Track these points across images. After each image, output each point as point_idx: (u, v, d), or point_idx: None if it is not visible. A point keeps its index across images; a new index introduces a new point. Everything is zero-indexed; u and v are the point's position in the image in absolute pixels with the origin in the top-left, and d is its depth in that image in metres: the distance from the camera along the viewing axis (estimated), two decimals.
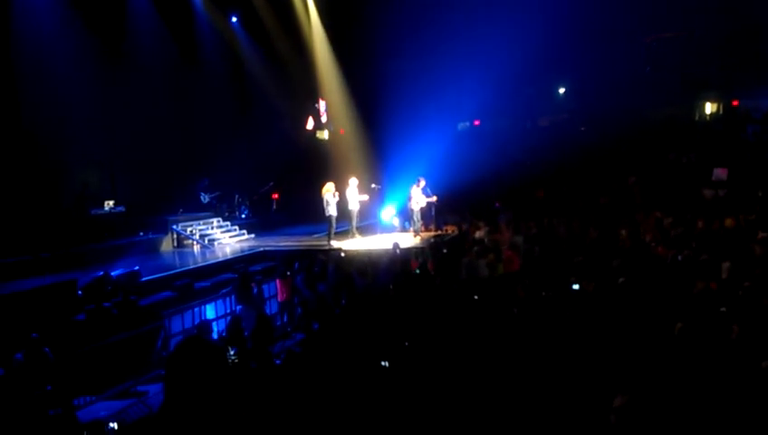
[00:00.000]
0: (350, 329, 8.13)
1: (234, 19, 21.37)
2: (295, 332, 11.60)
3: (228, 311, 11.92)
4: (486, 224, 17.46)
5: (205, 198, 18.56)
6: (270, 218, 20.44)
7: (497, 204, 21.90)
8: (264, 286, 12.45)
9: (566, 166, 24.70)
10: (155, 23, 17.64)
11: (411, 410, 4.82)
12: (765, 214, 15.50)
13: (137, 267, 11.63)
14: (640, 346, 5.97)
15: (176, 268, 13.21)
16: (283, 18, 21.60)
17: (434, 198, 16.02)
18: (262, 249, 15.43)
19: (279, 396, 5.18)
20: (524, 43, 21.67)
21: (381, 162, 21.42)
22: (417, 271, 12.40)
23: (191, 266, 13.48)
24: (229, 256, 14.73)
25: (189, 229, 16.54)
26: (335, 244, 14.90)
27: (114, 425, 6.28)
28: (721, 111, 27.42)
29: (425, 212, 16.22)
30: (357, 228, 15.98)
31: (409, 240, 15.32)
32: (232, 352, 7.62)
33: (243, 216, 19.66)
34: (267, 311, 12.35)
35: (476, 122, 30.21)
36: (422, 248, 14.60)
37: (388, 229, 17.63)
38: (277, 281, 12.66)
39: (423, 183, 15.81)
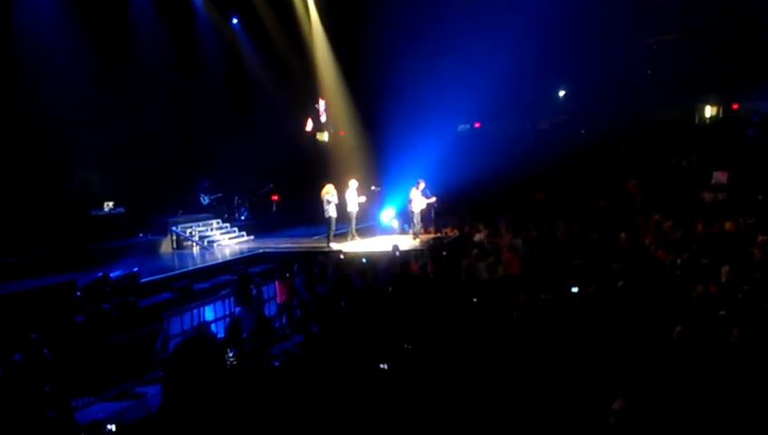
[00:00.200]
0: (349, 331, 8.12)
1: (234, 20, 21.38)
2: (294, 334, 11.58)
3: (227, 312, 11.89)
4: (486, 226, 17.46)
5: (204, 200, 18.54)
6: (269, 220, 20.43)
7: (497, 206, 21.92)
8: (264, 288, 12.43)
9: (566, 168, 24.72)
10: (155, 23, 17.62)
11: (410, 412, 4.81)
12: (765, 217, 15.50)
13: (136, 269, 11.62)
14: (639, 349, 5.96)
15: (175, 270, 13.21)
16: (283, 20, 21.62)
17: (433, 199, 16.01)
18: (261, 251, 15.42)
19: (277, 398, 5.17)
20: (525, 46, 21.69)
21: (381, 164, 21.44)
22: (418, 273, 12.40)
23: (190, 268, 13.47)
24: (228, 258, 14.73)
25: (189, 231, 16.53)
26: (334, 246, 14.89)
27: (112, 426, 6.26)
28: (721, 115, 27.44)
29: (424, 214, 16.22)
30: (356, 230, 15.98)
31: (409, 242, 15.31)
32: (230, 354, 7.61)
33: (242, 217, 19.66)
34: (266, 313, 12.34)
35: (476, 124, 30.23)
36: (421, 251, 14.60)
37: (388, 231, 17.62)
38: (276, 283, 12.64)
39: (422, 185, 15.80)
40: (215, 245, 16.43)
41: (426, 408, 4.85)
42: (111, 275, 11.02)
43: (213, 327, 11.22)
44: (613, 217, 18.05)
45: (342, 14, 22.44)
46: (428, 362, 6.21)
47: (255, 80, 21.65)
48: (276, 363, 7.45)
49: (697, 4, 23.58)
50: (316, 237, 16.68)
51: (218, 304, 12.01)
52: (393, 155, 20.90)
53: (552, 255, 14.22)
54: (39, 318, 9.02)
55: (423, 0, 22.97)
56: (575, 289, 9.38)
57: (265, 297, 12.58)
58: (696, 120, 27.72)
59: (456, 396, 5.01)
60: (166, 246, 16.17)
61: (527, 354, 6.03)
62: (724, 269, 10.57)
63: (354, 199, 15.53)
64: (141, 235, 16.05)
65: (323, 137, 22.80)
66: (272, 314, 12.64)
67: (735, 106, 26.56)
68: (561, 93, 30.00)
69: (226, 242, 16.97)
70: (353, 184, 15.62)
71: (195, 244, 16.36)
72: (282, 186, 21.79)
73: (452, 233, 17.18)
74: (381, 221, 18.15)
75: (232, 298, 11.85)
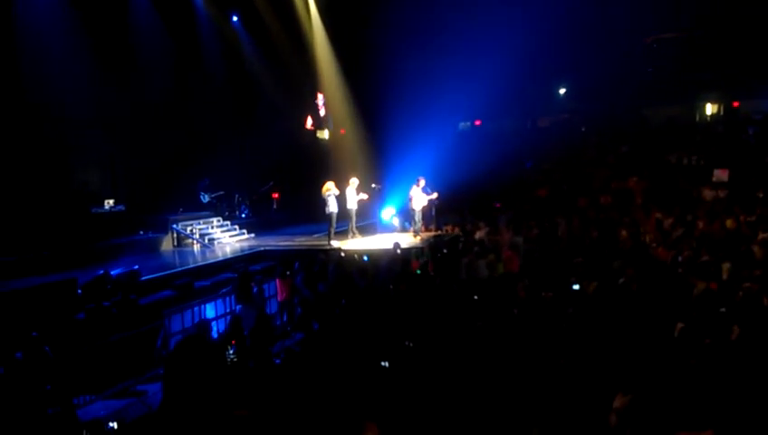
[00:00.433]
0: (350, 329, 8.12)
1: (234, 18, 21.36)
2: (295, 331, 11.59)
3: (228, 310, 11.90)
4: (486, 224, 17.47)
5: (205, 198, 18.55)
6: (270, 218, 20.44)
7: (497, 204, 21.93)
8: (264, 286, 12.43)
9: (566, 166, 24.71)
10: (156, 22, 17.61)
11: (411, 410, 4.81)
12: (766, 215, 15.49)
13: (137, 266, 11.62)
14: (640, 347, 5.96)
15: (176, 267, 13.21)
16: (283, 18, 21.59)
17: (435, 195, 15.98)
18: (262, 249, 15.42)
19: (278, 395, 5.17)
20: (525, 44, 21.68)
21: (382, 162, 21.42)
22: (419, 271, 12.40)
23: (191, 266, 13.48)
24: (229, 256, 14.72)
25: (189, 228, 16.54)
26: (335, 243, 14.89)
27: (114, 424, 6.28)
28: (722, 113, 27.43)
29: (425, 212, 16.21)
30: (356, 228, 15.98)
31: (409, 240, 15.31)
32: (231, 352, 7.62)
33: (243, 215, 19.66)
34: (267, 310, 12.34)
35: (477, 122, 30.22)
36: (422, 248, 14.60)
37: (389, 229, 17.62)
38: (277, 280, 12.65)
39: (422, 183, 15.79)
40: (215, 243, 16.44)
41: (427, 405, 4.85)
42: (112, 272, 11.02)
43: (214, 325, 11.24)
44: (614, 215, 18.06)
45: (343, 12, 22.41)
46: (430, 359, 6.21)
47: (256, 78, 21.63)
48: (277, 361, 7.46)
49: (697, 2, 23.57)
50: (317, 235, 16.68)
51: (219, 301, 12.02)
52: (394, 153, 20.88)
53: (552, 252, 14.23)
54: (40, 316, 9.02)
55: None
56: (576, 286, 9.38)
57: (266, 295, 12.59)
58: (697, 118, 27.71)
59: (457, 393, 5.01)
60: (166, 244, 16.17)
61: (528, 352, 6.03)
62: (725, 267, 10.58)
63: (354, 197, 15.53)
64: (142, 233, 16.05)
65: (324, 135, 22.78)
66: (272, 311, 12.65)
67: (736, 104, 26.55)
68: (562, 91, 29.99)
69: (227, 240, 16.97)
70: (354, 182, 15.62)
71: (195, 242, 16.37)
72: (282, 184, 21.79)
73: (452, 230, 17.18)
74: (382, 219, 18.14)
75: (233, 296, 11.86)
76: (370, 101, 22.96)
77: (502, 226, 17.34)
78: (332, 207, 14.95)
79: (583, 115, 28.39)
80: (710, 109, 27.81)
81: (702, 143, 24.10)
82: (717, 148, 23.22)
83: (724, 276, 10.22)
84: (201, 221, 17.14)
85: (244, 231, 17.85)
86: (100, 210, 15.28)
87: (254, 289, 11.75)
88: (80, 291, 10.43)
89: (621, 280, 9.92)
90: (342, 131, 23.93)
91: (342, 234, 15.73)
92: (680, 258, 11.92)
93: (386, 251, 13.71)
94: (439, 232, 16.76)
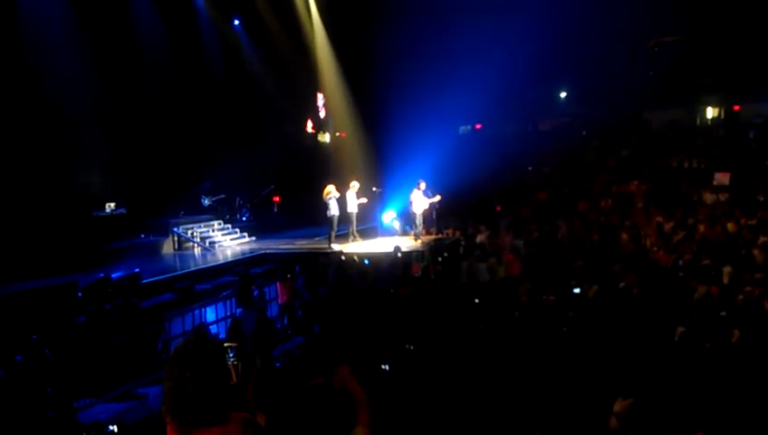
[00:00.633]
0: (351, 332, 8.12)
1: (236, 22, 21.40)
2: (295, 334, 11.59)
3: (229, 313, 11.91)
4: (487, 228, 17.47)
5: (206, 201, 18.55)
6: (271, 221, 20.42)
7: (498, 207, 21.92)
8: (265, 289, 12.44)
9: (567, 169, 24.72)
10: (157, 25, 17.65)
11: (412, 413, 4.81)
12: (767, 218, 15.49)
13: (137, 269, 11.63)
14: (641, 350, 5.95)
15: (176, 271, 13.21)
16: (285, 22, 21.63)
17: (437, 198, 15.94)
18: (262, 252, 15.42)
19: (279, 398, 5.16)
20: (526, 47, 21.71)
21: (383, 165, 21.43)
22: (420, 274, 12.41)
23: (192, 269, 13.48)
24: (230, 259, 14.72)
25: (190, 232, 16.53)
26: (336, 247, 14.88)
27: (114, 427, 6.27)
28: (722, 116, 27.45)
29: (426, 215, 16.20)
30: (357, 231, 15.97)
31: (410, 243, 15.30)
32: (231, 355, 7.61)
33: (244, 218, 19.65)
34: (268, 314, 12.34)
35: (478, 126, 30.24)
36: (422, 252, 14.59)
37: (389, 232, 17.61)
38: (278, 284, 12.65)
39: (423, 186, 15.76)
40: (216, 246, 16.43)
41: (428, 409, 4.84)
42: (113, 275, 11.02)
43: (214, 328, 11.24)
44: (615, 219, 18.05)
45: (344, 16, 22.46)
46: (431, 362, 6.21)
47: (257, 81, 21.66)
48: (278, 364, 7.45)
49: (698, 6, 23.60)
50: (317, 238, 16.67)
51: (220, 305, 12.03)
52: (394, 157, 20.88)
53: (553, 256, 14.23)
54: (41, 319, 9.02)
55: (424, 2, 22.97)
56: (577, 290, 9.39)
57: (267, 298, 12.59)
58: (698, 122, 27.73)
59: (458, 397, 5.01)
60: (167, 247, 16.17)
61: (529, 355, 6.03)
62: (726, 270, 10.58)
63: (354, 201, 15.52)
64: (143, 236, 16.04)
65: (325, 138, 22.81)
66: (273, 315, 12.65)
67: (737, 107, 26.56)
68: (563, 95, 30.02)
69: (228, 243, 16.97)
70: (354, 185, 15.62)
71: (196, 245, 16.37)
72: (283, 187, 21.79)
73: (453, 234, 17.17)
74: (383, 222, 18.14)
75: (233, 299, 11.87)
76: (371, 104, 22.99)
77: (502, 229, 17.34)
78: (334, 210, 14.96)
79: (584, 118, 28.41)
80: (711, 112, 27.84)
81: (703, 147, 24.10)
82: (718, 151, 23.22)
83: (725, 280, 10.22)
84: (202, 224, 17.14)
85: (245, 234, 17.84)
86: (101, 213, 15.29)
87: (255, 292, 11.75)
88: (80, 294, 10.43)
89: (622, 284, 9.92)
90: (343, 135, 23.95)
91: (343, 237, 15.72)
92: (681, 262, 11.93)
93: (387, 254, 13.70)
94: (440, 235, 16.74)
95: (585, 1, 22.03)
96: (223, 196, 18.90)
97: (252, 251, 15.74)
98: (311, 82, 22.82)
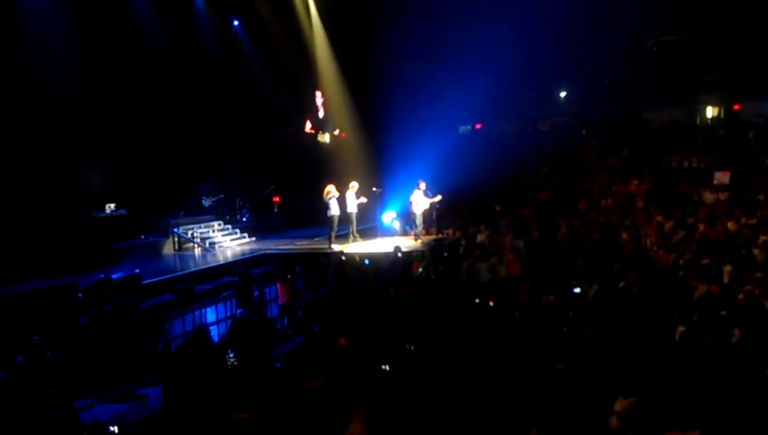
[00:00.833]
0: (351, 332, 8.11)
1: (235, 22, 21.41)
2: (296, 335, 11.59)
3: (229, 314, 11.92)
4: (487, 227, 17.46)
5: (206, 202, 18.56)
6: (271, 221, 20.43)
7: (498, 207, 21.93)
8: (265, 289, 12.44)
9: (567, 169, 24.72)
10: (157, 24, 17.65)
11: (412, 413, 4.80)
12: (767, 218, 15.49)
13: (137, 270, 11.63)
14: (642, 350, 5.96)
15: (176, 271, 13.21)
16: (284, 22, 21.64)
17: (438, 198, 15.92)
18: (262, 252, 15.42)
19: (278, 399, 5.16)
20: (526, 47, 21.69)
21: (382, 165, 21.42)
22: (422, 273, 12.40)
23: (192, 269, 13.48)
24: (230, 260, 14.72)
25: (190, 232, 16.54)
26: (336, 247, 14.88)
27: (114, 428, 6.27)
28: (722, 115, 27.44)
29: (426, 215, 16.20)
30: (357, 231, 15.98)
31: (410, 243, 15.30)
32: (231, 355, 7.60)
33: (244, 219, 19.66)
34: (268, 314, 12.34)
35: (478, 126, 30.22)
36: (422, 252, 14.59)
37: (389, 232, 17.61)
38: (278, 284, 12.65)
39: (423, 186, 15.76)
40: (216, 246, 16.44)
41: (428, 409, 4.84)
42: (113, 276, 11.04)
43: (214, 329, 11.24)
44: (615, 218, 18.06)
45: (343, 16, 22.44)
46: (431, 362, 6.21)
47: (257, 81, 21.66)
48: (278, 365, 7.44)
49: (698, 5, 23.58)
50: (317, 239, 16.67)
51: (220, 305, 12.03)
52: (394, 156, 20.88)
53: (553, 256, 14.23)
54: (41, 320, 9.04)
55: (424, 2, 22.96)
56: (577, 290, 9.39)
57: (267, 299, 12.59)
58: (698, 121, 27.71)
59: (458, 396, 5.01)
60: (167, 248, 16.17)
61: (529, 355, 6.03)
62: (726, 269, 10.59)
63: (354, 201, 15.53)
64: (143, 236, 16.05)
65: (324, 138, 22.79)
66: (273, 315, 12.66)
67: (737, 107, 26.55)
68: (563, 94, 30.00)
69: (228, 244, 16.98)
70: (353, 186, 15.62)
71: (196, 245, 16.37)
72: (283, 187, 21.79)
73: (453, 234, 17.16)
74: (383, 222, 18.13)
75: (233, 300, 11.87)
76: (371, 104, 22.98)
77: (502, 229, 17.34)
78: (334, 210, 14.96)
79: (584, 118, 28.39)
80: (711, 112, 27.82)
81: (703, 146, 24.10)
82: (718, 150, 23.22)
83: (726, 279, 10.23)
84: (202, 225, 17.15)
85: (245, 235, 17.85)
86: (101, 214, 15.29)
87: (255, 293, 11.76)
88: (81, 295, 10.44)
89: (622, 283, 9.92)
90: (343, 135, 23.93)
91: (343, 237, 15.72)
92: (681, 261, 11.94)
93: (387, 254, 13.70)
94: (440, 235, 16.73)
95: (584, 1, 22.00)
96: (222, 196, 18.91)
97: (252, 252, 15.74)
98: (310, 82, 22.81)
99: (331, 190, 14.93)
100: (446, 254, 15.12)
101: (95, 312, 9.84)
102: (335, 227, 15.15)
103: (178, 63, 18.37)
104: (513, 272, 13.09)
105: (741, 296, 8.32)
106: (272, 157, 21.22)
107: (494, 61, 21.89)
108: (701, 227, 15.41)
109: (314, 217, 17.45)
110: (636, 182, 22.17)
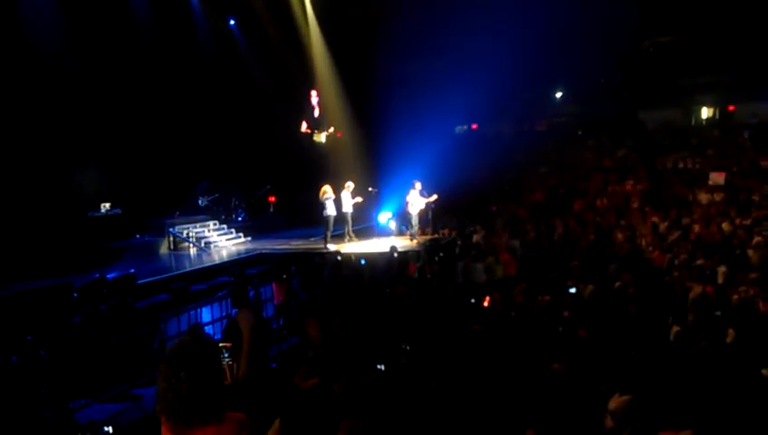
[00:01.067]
0: (347, 332, 8.11)
1: (231, 22, 21.38)
2: (291, 335, 11.58)
3: (224, 314, 11.90)
4: (483, 227, 17.49)
5: (202, 201, 18.53)
6: (267, 221, 20.41)
7: (493, 207, 21.96)
8: (261, 289, 12.43)
9: (563, 169, 24.77)
10: (153, 25, 17.62)
11: (408, 413, 4.81)
12: (761, 218, 15.56)
13: (133, 270, 11.61)
14: (636, 349, 5.97)
15: (172, 271, 13.17)
16: (280, 22, 21.62)
17: (434, 197, 15.91)
18: (258, 252, 15.39)
19: (275, 399, 5.16)
20: (522, 47, 21.71)
21: (379, 165, 21.43)
22: (416, 274, 12.40)
23: (187, 269, 13.43)
24: (225, 259, 14.69)
25: (186, 232, 16.50)
26: (332, 247, 14.88)
27: (109, 428, 6.25)
28: (717, 116, 27.54)
29: (422, 215, 16.21)
30: (353, 231, 15.98)
31: (406, 243, 15.31)
32: (226, 355, 7.59)
33: (239, 219, 19.64)
34: (263, 314, 12.32)
35: (474, 126, 30.26)
36: (418, 252, 14.60)
37: (385, 232, 17.62)
38: (273, 284, 12.63)
39: (419, 186, 15.76)
40: (212, 246, 16.40)
41: (423, 408, 4.85)
42: (108, 276, 11.01)
43: (210, 329, 11.21)
44: (610, 219, 18.10)
45: (340, 16, 22.44)
46: (426, 362, 6.21)
47: (253, 81, 21.64)
48: (273, 365, 7.43)
49: (693, 6, 23.65)
50: (313, 239, 16.66)
51: (215, 305, 12.01)
52: (390, 156, 20.89)
53: (549, 256, 14.26)
54: (36, 319, 9.00)
55: (421, 2, 22.98)
56: (572, 290, 9.41)
57: (263, 298, 12.58)
58: (693, 122, 27.80)
59: (453, 396, 5.02)
60: (163, 248, 16.14)
61: (524, 354, 6.04)
62: (721, 270, 10.62)
63: (349, 201, 15.52)
64: (138, 236, 16.02)
65: (320, 138, 22.78)
66: (269, 315, 12.64)
67: (732, 107, 26.65)
68: (558, 95, 30.07)
69: (224, 243, 16.95)
70: (349, 186, 15.62)
71: (192, 245, 16.34)
72: (279, 187, 21.77)
73: (449, 234, 17.18)
74: (379, 222, 18.14)
75: (229, 300, 11.85)
76: (367, 104, 22.99)
77: (498, 229, 17.37)
78: (330, 210, 14.95)
79: (579, 118, 28.46)
80: (706, 112, 27.92)
81: (698, 147, 24.18)
82: (713, 151, 23.30)
83: (720, 280, 10.26)
84: (198, 225, 17.11)
85: (241, 235, 17.83)
86: (96, 214, 15.24)
87: (251, 293, 11.74)
88: (75, 294, 10.40)
89: (618, 284, 9.96)
90: (339, 135, 23.91)
91: (339, 237, 15.72)
92: (676, 262, 11.97)
93: (382, 254, 13.70)
94: (436, 235, 16.74)
95: (580, 1, 22.05)
96: (218, 195, 18.88)
97: (247, 251, 15.72)
98: (307, 83, 22.80)
99: (327, 191, 14.93)
100: (441, 254, 15.13)
101: (90, 311, 9.81)
102: (331, 227, 15.14)
103: (174, 63, 18.32)
104: (509, 272, 13.12)
105: (735, 297, 8.36)
106: (267, 156, 21.20)
107: (490, 61, 21.93)
108: (696, 227, 15.46)
109: (310, 217, 17.43)
110: (631, 182, 22.23)
